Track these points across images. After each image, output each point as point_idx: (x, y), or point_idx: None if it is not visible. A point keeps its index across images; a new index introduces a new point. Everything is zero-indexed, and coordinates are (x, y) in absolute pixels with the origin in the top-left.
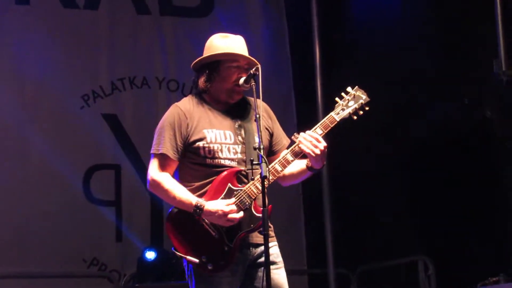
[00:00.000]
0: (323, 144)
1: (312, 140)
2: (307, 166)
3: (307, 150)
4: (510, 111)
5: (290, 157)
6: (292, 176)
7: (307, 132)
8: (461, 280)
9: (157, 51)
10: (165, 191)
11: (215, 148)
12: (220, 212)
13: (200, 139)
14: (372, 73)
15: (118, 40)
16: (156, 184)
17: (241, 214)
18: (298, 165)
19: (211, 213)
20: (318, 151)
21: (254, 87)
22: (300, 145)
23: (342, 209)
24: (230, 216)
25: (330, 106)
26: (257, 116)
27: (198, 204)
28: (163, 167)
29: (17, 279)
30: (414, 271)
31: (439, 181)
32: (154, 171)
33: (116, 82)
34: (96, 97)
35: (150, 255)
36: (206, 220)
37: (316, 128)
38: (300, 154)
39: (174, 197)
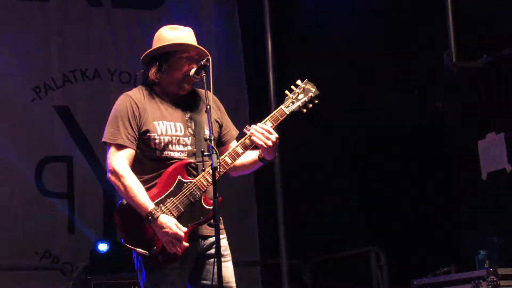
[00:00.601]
0: (274, 136)
1: (264, 132)
2: (259, 157)
3: (259, 142)
4: (460, 102)
5: (240, 150)
6: (244, 166)
7: (258, 124)
8: (413, 270)
9: (109, 43)
10: (125, 187)
11: (166, 140)
12: (168, 230)
13: (151, 131)
14: (323, 65)
15: (69, 31)
16: (117, 176)
17: (185, 245)
18: (250, 156)
19: (161, 226)
20: (270, 143)
21: (204, 78)
22: (252, 137)
23: (295, 201)
24: (175, 240)
25: (282, 98)
26: (208, 107)
27: (153, 212)
28: (123, 156)
29: None
30: (367, 262)
31: (392, 172)
32: (116, 162)
33: (68, 74)
34: (48, 89)
35: (103, 247)
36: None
37: (266, 121)
38: (250, 147)
39: (132, 196)
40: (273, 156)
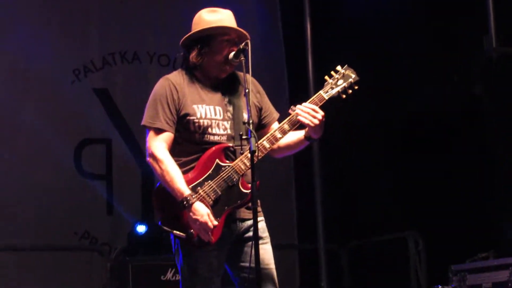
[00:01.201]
0: (320, 114)
1: (310, 111)
2: (305, 137)
3: (306, 121)
4: (500, 88)
5: (278, 134)
6: (289, 147)
7: (304, 104)
8: (451, 256)
9: (148, 26)
10: (163, 171)
11: (205, 123)
12: (200, 218)
13: (190, 114)
14: (361, 53)
15: (109, 15)
16: (156, 160)
17: (212, 238)
18: (295, 136)
19: (194, 212)
20: (316, 121)
21: (243, 62)
22: (298, 117)
23: (333, 185)
24: (203, 230)
25: (321, 83)
26: (247, 90)
27: (188, 198)
28: (162, 140)
29: (8, 252)
30: (404, 247)
31: (430, 158)
32: (155, 145)
33: (107, 56)
34: (87, 71)
35: (141, 228)
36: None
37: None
38: (289, 131)
39: (169, 181)
40: (319, 134)
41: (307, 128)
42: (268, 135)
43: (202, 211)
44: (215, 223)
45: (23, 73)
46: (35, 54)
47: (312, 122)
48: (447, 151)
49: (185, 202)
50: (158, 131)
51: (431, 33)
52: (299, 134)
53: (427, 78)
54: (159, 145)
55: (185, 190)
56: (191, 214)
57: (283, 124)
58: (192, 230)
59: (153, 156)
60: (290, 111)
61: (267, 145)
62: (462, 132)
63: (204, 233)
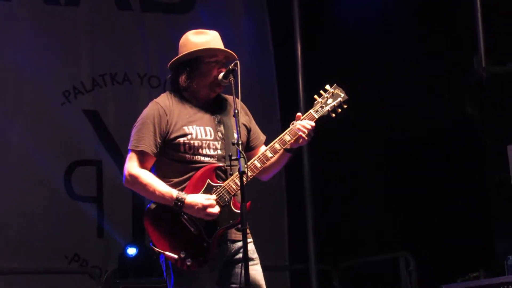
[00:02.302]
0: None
1: (310, 128)
2: (285, 149)
3: (306, 138)
4: (490, 107)
5: (269, 154)
6: (273, 164)
7: (304, 121)
8: (442, 276)
9: (139, 47)
10: (144, 185)
11: (196, 144)
12: (199, 205)
13: (181, 136)
14: (353, 69)
15: (99, 36)
16: (133, 178)
17: (218, 209)
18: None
19: (191, 206)
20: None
21: (233, 83)
22: (300, 133)
23: (324, 206)
24: (209, 210)
25: (311, 103)
26: (236, 111)
27: (179, 197)
28: (141, 163)
29: None
30: (396, 267)
31: (420, 178)
32: (131, 166)
33: (97, 78)
34: (77, 93)
35: (132, 251)
36: (185, 216)
37: (295, 125)
38: (280, 151)
39: (154, 190)
40: (299, 145)
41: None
42: (259, 154)
43: (197, 199)
44: (213, 196)
45: (13, 95)
46: (24, 75)
47: (307, 138)
48: (438, 170)
49: (179, 202)
50: (140, 153)
51: (422, 52)
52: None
53: (419, 97)
54: (133, 165)
55: (173, 191)
56: (189, 209)
57: (274, 143)
58: (183, 252)
59: (130, 176)
60: (291, 125)
61: (259, 165)
62: (453, 151)
63: (211, 215)
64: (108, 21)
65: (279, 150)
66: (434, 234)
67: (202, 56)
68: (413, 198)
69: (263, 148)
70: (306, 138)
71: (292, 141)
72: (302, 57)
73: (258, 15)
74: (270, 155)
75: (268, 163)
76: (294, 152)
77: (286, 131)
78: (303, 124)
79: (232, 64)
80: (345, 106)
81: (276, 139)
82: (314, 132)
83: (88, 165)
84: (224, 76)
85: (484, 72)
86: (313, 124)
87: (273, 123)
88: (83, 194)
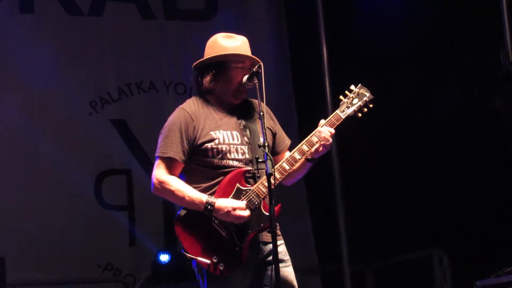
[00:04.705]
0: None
1: (327, 133)
2: (306, 159)
3: (325, 147)
4: None
5: (297, 155)
6: (294, 172)
7: (325, 128)
8: (476, 272)
9: (164, 55)
10: (173, 192)
11: (224, 149)
12: (229, 208)
13: (209, 141)
14: (380, 67)
15: (123, 45)
16: (162, 185)
17: (248, 212)
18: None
19: (221, 210)
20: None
21: (257, 85)
22: (321, 141)
23: (354, 205)
24: (238, 212)
25: (337, 103)
26: (261, 113)
27: (210, 201)
28: (169, 169)
29: (32, 286)
30: (430, 264)
31: (452, 173)
32: (159, 173)
33: (123, 87)
34: (104, 103)
35: (164, 258)
36: (216, 221)
37: (323, 126)
38: (308, 152)
39: (183, 196)
40: (320, 155)
41: (309, 152)
42: (287, 156)
43: (226, 203)
44: (243, 202)
45: (41, 106)
46: (51, 87)
47: (328, 147)
48: (469, 166)
49: (209, 206)
50: (168, 160)
51: (449, 48)
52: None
53: (447, 93)
54: (161, 172)
55: (203, 196)
56: (219, 212)
57: (301, 145)
58: (215, 256)
59: (158, 183)
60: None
61: (287, 167)
62: (484, 146)
63: (241, 219)
64: (132, 30)
65: (307, 152)
66: (467, 230)
67: (229, 61)
68: (444, 194)
69: (288, 153)
70: (328, 143)
71: (319, 144)
72: (328, 59)
73: (278, 22)
74: (298, 156)
75: (295, 165)
76: (315, 162)
77: (313, 132)
78: (323, 130)
79: (256, 67)
80: (371, 106)
81: (304, 141)
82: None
83: (118, 174)
84: (248, 79)
85: (511, 66)
86: (333, 131)
87: (292, 132)
88: (114, 203)
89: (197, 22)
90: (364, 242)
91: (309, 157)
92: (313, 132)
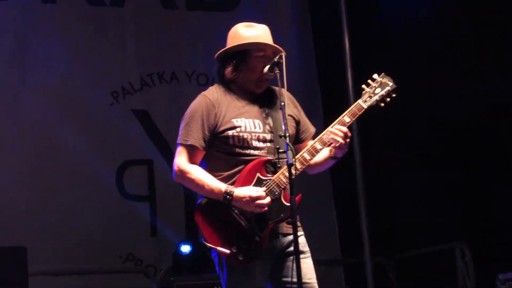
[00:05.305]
0: (347, 137)
1: (339, 132)
2: (330, 156)
3: (342, 142)
4: None
5: (318, 146)
6: (317, 164)
7: (335, 126)
8: (499, 265)
9: (185, 46)
10: (193, 180)
11: (245, 137)
12: (248, 197)
13: (230, 128)
14: (402, 58)
15: (145, 35)
16: (183, 173)
17: (268, 199)
18: (322, 154)
19: (240, 199)
20: (343, 141)
21: (278, 75)
22: (332, 136)
23: (376, 197)
24: (258, 201)
25: (359, 93)
26: (282, 104)
27: (228, 190)
28: (190, 157)
29: (54, 276)
30: (452, 257)
31: (476, 167)
32: (181, 161)
33: (145, 77)
34: (126, 93)
35: (186, 248)
36: (236, 210)
37: (344, 116)
38: (329, 143)
39: (203, 185)
40: (343, 153)
41: (332, 148)
42: (308, 146)
43: (246, 191)
44: (262, 189)
45: (62, 97)
46: (73, 78)
47: (339, 143)
48: (493, 160)
49: (227, 196)
50: (189, 147)
51: (477, 39)
52: (325, 153)
53: (473, 85)
54: (182, 160)
55: (222, 185)
56: (238, 201)
57: (322, 135)
58: (235, 246)
59: (179, 172)
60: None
61: (308, 157)
62: (508, 139)
63: (261, 206)
64: (153, 20)
65: (328, 142)
66: (490, 223)
67: (250, 50)
68: (468, 188)
69: (310, 143)
70: (338, 144)
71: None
72: (350, 48)
73: (301, 11)
74: (319, 147)
75: (317, 157)
76: (337, 160)
77: (336, 121)
78: (333, 131)
79: (277, 57)
80: (394, 95)
81: (325, 131)
82: (347, 139)
83: (140, 165)
84: (269, 69)
85: None
86: (344, 129)
87: (317, 120)
88: (135, 193)
89: (219, 13)
90: (387, 235)
91: (332, 155)
92: (325, 131)
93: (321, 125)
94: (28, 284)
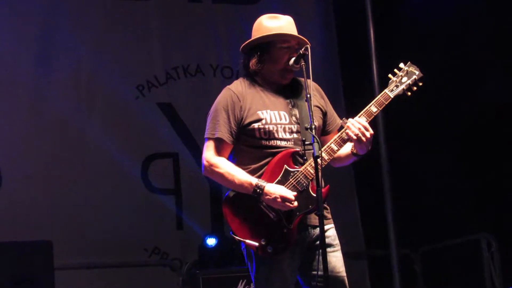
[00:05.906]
0: (370, 132)
1: (360, 127)
2: (352, 152)
3: (354, 137)
4: None
5: (345, 136)
6: (339, 159)
7: (355, 118)
8: None
9: (210, 39)
10: (222, 174)
11: (271, 128)
12: (277, 195)
13: (256, 121)
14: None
15: (170, 29)
16: (212, 167)
17: (296, 203)
18: (344, 149)
19: (270, 195)
20: (364, 138)
21: (304, 67)
22: (347, 131)
23: (400, 188)
24: (286, 203)
25: (386, 82)
26: (308, 95)
27: (259, 185)
28: (218, 151)
29: (80, 270)
30: (478, 249)
31: (502, 158)
32: (209, 155)
33: (170, 71)
34: (151, 86)
35: (211, 241)
36: (264, 203)
37: (370, 106)
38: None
39: (232, 179)
40: (365, 151)
41: (354, 144)
42: (335, 137)
43: (275, 188)
44: (293, 192)
45: (87, 91)
46: (98, 71)
47: (360, 139)
48: None
49: (258, 190)
50: (217, 141)
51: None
52: (347, 149)
53: (495, 77)
54: (211, 154)
55: (252, 179)
56: (267, 197)
57: (344, 129)
58: (264, 239)
59: (208, 166)
60: (341, 123)
61: (335, 148)
62: None
63: (288, 206)
64: (178, 14)
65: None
66: None
67: (274, 41)
68: (494, 179)
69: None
70: (359, 140)
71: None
72: (375, 40)
73: (324, 2)
74: (346, 137)
75: (341, 150)
76: (359, 158)
77: (362, 111)
78: (352, 122)
79: (303, 49)
80: (421, 84)
81: (345, 128)
82: (370, 133)
83: (165, 158)
84: (295, 61)
85: None
86: (365, 124)
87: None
88: (161, 186)
89: (244, 5)
90: (412, 226)
91: (354, 151)
92: (344, 129)
93: (343, 118)
94: (54, 278)
